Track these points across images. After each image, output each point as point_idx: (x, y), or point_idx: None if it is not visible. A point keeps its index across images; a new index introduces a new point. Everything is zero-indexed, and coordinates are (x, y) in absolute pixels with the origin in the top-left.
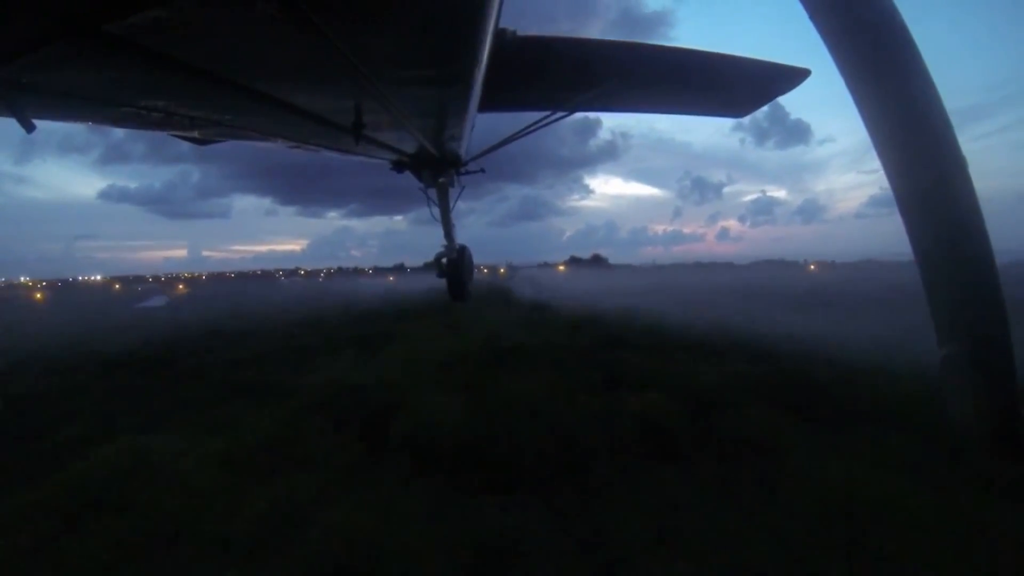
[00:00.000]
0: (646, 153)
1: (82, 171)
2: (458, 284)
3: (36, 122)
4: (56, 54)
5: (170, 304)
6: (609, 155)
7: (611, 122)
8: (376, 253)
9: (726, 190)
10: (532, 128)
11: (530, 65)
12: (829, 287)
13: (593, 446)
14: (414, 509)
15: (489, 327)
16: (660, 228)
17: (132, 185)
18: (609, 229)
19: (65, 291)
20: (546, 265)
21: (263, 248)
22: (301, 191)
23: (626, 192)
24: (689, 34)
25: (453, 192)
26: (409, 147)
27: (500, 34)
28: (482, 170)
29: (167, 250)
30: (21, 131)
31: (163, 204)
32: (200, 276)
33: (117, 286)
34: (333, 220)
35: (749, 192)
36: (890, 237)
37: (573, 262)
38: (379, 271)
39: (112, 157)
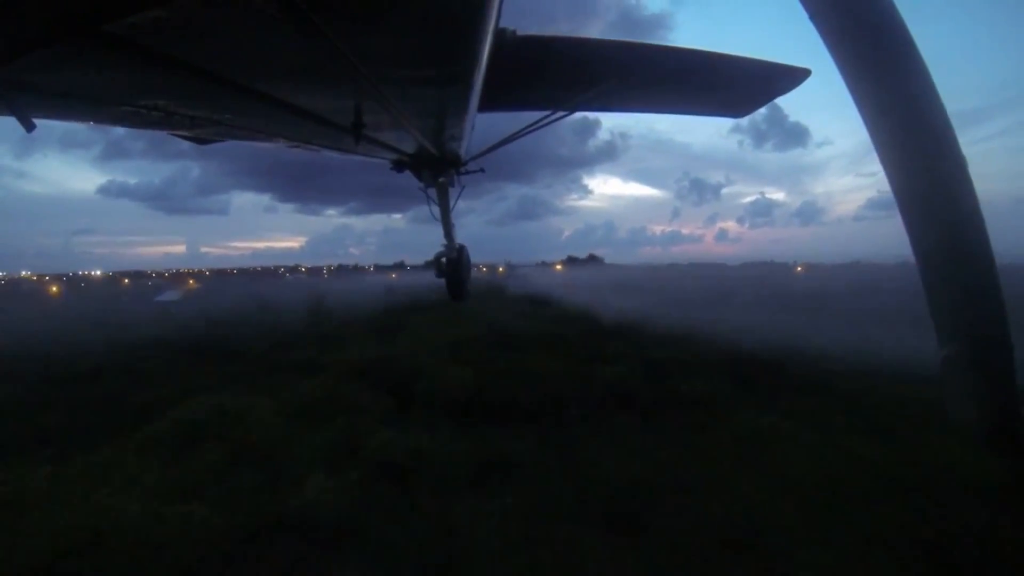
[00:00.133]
0: (645, 153)
1: (82, 166)
2: (457, 284)
3: (36, 121)
4: (56, 54)
5: (184, 298)
6: (608, 155)
7: (610, 122)
8: (375, 251)
9: (724, 191)
10: (532, 128)
11: (530, 65)
12: (804, 287)
13: (571, 397)
14: (439, 435)
15: (490, 318)
16: (659, 229)
17: (132, 181)
18: (607, 229)
19: (75, 286)
20: (544, 264)
21: (261, 245)
22: (300, 189)
23: (625, 192)
24: (688, 37)
25: (453, 192)
26: (409, 147)
27: (500, 34)
28: (482, 170)
29: (166, 246)
30: (22, 127)
31: (162, 200)
32: (204, 272)
33: (126, 281)
34: (332, 218)
35: (748, 194)
36: (880, 240)
37: (570, 261)
38: (380, 269)
39: (112, 153)
